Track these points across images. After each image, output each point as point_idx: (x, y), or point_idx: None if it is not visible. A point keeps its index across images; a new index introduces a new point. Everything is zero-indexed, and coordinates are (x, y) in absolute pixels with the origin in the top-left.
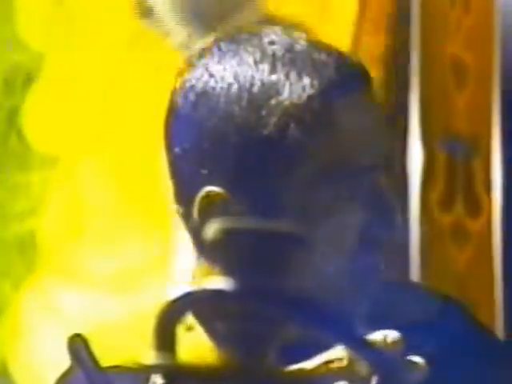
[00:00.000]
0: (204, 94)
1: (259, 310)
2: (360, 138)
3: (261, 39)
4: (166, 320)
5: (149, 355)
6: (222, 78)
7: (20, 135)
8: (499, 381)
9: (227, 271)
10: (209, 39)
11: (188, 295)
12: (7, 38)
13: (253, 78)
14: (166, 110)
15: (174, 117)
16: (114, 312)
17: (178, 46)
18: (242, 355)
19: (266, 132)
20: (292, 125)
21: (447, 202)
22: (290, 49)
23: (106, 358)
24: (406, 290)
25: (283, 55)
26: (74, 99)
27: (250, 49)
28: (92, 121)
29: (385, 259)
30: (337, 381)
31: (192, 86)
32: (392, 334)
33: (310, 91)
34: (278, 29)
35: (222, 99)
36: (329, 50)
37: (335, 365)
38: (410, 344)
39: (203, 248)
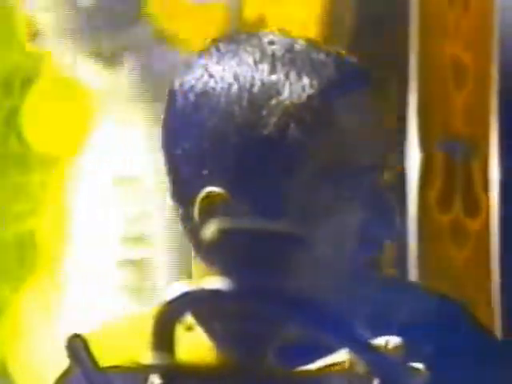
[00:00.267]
0: (204, 95)
1: (258, 310)
2: (360, 137)
3: (260, 39)
4: (164, 320)
5: (147, 355)
6: (222, 78)
7: (19, 136)
8: (497, 380)
9: (226, 271)
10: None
11: (186, 295)
12: (7, 39)
13: (253, 78)
14: (164, 110)
15: (173, 117)
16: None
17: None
18: (241, 355)
19: (266, 132)
20: (292, 125)
21: (446, 202)
22: (289, 49)
23: (105, 358)
24: (404, 289)
25: (283, 55)
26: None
27: (249, 49)
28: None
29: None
30: (337, 383)
31: (191, 87)
32: (393, 340)
33: (309, 91)
34: (275, 30)
35: (222, 99)
36: (328, 50)
37: (337, 368)
38: (408, 343)
39: (202, 248)
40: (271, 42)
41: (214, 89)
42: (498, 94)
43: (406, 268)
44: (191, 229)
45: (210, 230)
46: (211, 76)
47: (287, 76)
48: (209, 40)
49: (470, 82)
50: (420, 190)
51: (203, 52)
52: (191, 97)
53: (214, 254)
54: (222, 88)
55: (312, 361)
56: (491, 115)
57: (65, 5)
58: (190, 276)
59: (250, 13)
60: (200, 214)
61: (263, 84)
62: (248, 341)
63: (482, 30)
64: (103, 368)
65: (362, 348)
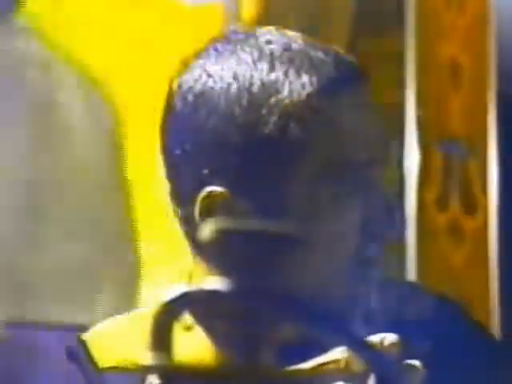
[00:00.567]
0: (203, 95)
1: (256, 310)
2: (359, 134)
3: (257, 39)
4: (162, 320)
5: (146, 355)
6: (221, 78)
7: None
8: (495, 381)
9: (225, 272)
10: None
11: (185, 295)
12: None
13: (252, 77)
14: (162, 112)
15: (172, 118)
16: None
17: None
18: (240, 355)
19: (266, 131)
20: (292, 123)
21: (443, 202)
22: (287, 47)
23: (104, 358)
24: (402, 288)
25: (281, 54)
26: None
27: (247, 48)
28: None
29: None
30: (334, 381)
31: (190, 87)
32: (389, 337)
33: (309, 89)
34: (272, 29)
35: (222, 99)
36: (325, 49)
37: (332, 366)
38: (405, 342)
39: (201, 248)
40: (269, 42)
41: (213, 89)
42: (494, 94)
43: (404, 267)
44: (191, 229)
45: (207, 230)
46: (210, 76)
47: (286, 74)
48: (206, 40)
49: (467, 83)
50: (418, 190)
51: (201, 52)
52: (190, 97)
53: (212, 254)
54: (221, 88)
55: (308, 358)
56: (488, 116)
57: None
58: (189, 276)
59: (247, 14)
60: (201, 213)
61: (262, 83)
62: (246, 341)
63: (479, 31)
64: (102, 368)
65: (357, 345)
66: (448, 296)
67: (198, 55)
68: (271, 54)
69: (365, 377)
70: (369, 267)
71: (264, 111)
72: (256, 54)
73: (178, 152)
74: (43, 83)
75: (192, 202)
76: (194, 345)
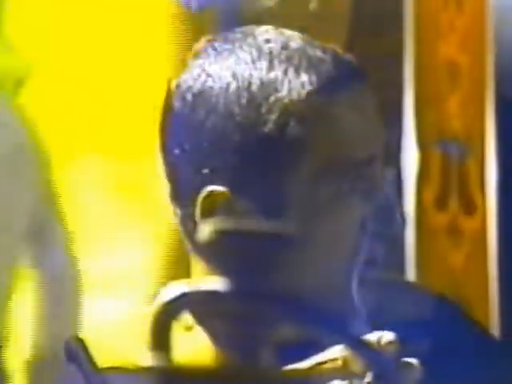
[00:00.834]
0: (202, 94)
1: (255, 310)
2: (358, 134)
3: (255, 38)
4: (162, 320)
5: (145, 356)
6: (220, 78)
7: None
8: (495, 381)
9: (224, 272)
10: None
11: (184, 296)
12: None
13: (251, 76)
14: (161, 112)
15: (171, 118)
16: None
17: None
18: (239, 355)
19: (266, 129)
20: (292, 122)
21: (442, 201)
22: (285, 46)
23: (103, 358)
24: (401, 288)
25: (280, 53)
26: (66, 101)
27: (246, 48)
28: (83, 123)
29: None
30: (332, 380)
31: (189, 87)
32: (387, 336)
33: (308, 88)
34: (270, 28)
35: (221, 98)
36: (323, 47)
37: (330, 365)
38: (404, 342)
39: (200, 248)
40: (267, 40)
41: (212, 88)
42: (492, 94)
43: (403, 267)
44: (191, 229)
45: (206, 230)
46: (209, 75)
47: (285, 73)
48: (204, 40)
49: (465, 83)
50: (416, 190)
51: (200, 52)
52: (189, 97)
53: (212, 254)
54: (220, 87)
55: (307, 357)
56: (486, 115)
57: None
58: (189, 276)
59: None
60: (202, 213)
61: (262, 82)
62: (245, 340)
63: (477, 31)
64: (101, 369)
65: (355, 344)
66: (447, 296)
67: (196, 55)
68: (270, 52)
69: (362, 375)
70: (368, 267)
71: (263, 110)
72: (255, 53)
73: (177, 152)
74: None
75: (192, 202)
76: (194, 345)
